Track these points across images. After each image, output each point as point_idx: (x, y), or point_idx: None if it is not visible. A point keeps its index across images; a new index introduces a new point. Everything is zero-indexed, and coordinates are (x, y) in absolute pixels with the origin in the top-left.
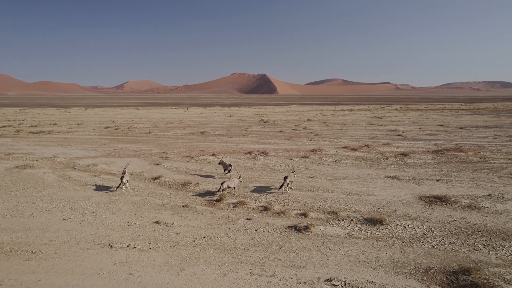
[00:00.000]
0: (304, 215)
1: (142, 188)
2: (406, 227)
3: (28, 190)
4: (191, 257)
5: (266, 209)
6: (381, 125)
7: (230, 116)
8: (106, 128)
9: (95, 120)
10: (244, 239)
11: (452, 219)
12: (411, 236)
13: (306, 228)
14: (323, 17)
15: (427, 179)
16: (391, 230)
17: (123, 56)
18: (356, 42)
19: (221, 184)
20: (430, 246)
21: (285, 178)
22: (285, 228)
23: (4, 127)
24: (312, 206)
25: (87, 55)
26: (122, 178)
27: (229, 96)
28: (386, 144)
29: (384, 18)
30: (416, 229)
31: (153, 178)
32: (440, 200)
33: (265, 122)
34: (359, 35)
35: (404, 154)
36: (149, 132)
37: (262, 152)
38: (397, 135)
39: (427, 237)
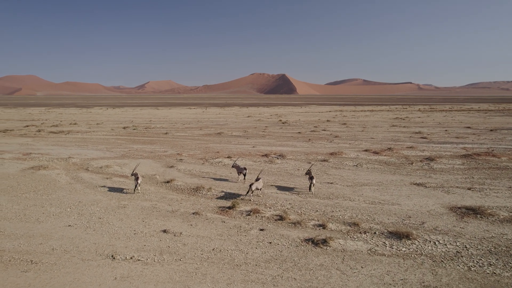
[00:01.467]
0: (323, 226)
1: (153, 192)
2: (437, 243)
3: (39, 193)
4: (197, 272)
5: (281, 218)
6: (404, 126)
7: (248, 116)
8: (124, 128)
9: (114, 120)
10: (256, 253)
11: (490, 235)
12: (442, 254)
13: (325, 241)
14: (344, 17)
15: (457, 187)
16: (420, 246)
17: (144, 57)
18: (377, 42)
19: (250, 186)
20: (466, 268)
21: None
22: (302, 241)
23: (27, 126)
24: (331, 216)
25: (110, 56)
26: (137, 179)
27: (248, 96)
28: (410, 147)
29: (406, 17)
30: (448, 246)
31: (165, 182)
32: (474, 212)
33: (283, 123)
34: (380, 34)
35: (430, 159)
36: (166, 133)
37: (279, 155)
38: (421, 137)
39: (462, 256)
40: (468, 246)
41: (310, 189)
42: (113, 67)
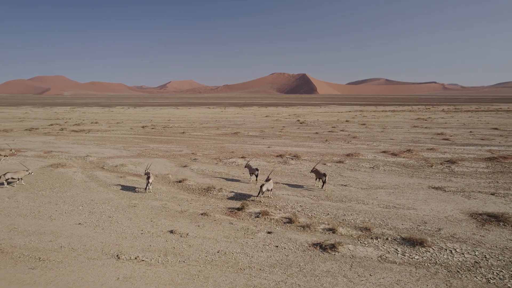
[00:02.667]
0: (332, 230)
1: (164, 192)
2: (453, 251)
3: (55, 190)
4: (200, 275)
5: (290, 221)
6: (425, 127)
7: (266, 116)
8: (143, 127)
9: (134, 119)
10: (262, 257)
11: None
12: (459, 264)
13: (333, 247)
14: (366, 15)
15: (479, 191)
16: (434, 254)
17: (166, 57)
18: (400, 40)
19: (260, 187)
20: (484, 280)
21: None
22: (309, 246)
23: (51, 125)
24: (343, 219)
25: (133, 56)
26: (148, 178)
27: (267, 96)
28: (431, 149)
29: (430, 14)
30: (466, 255)
31: (177, 181)
32: (497, 219)
33: (301, 123)
34: (403, 32)
35: (452, 161)
36: (183, 132)
37: (294, 156)
38: (443, 139)
39: (480, 267)
40: (488, 256)
41: (322, 186)
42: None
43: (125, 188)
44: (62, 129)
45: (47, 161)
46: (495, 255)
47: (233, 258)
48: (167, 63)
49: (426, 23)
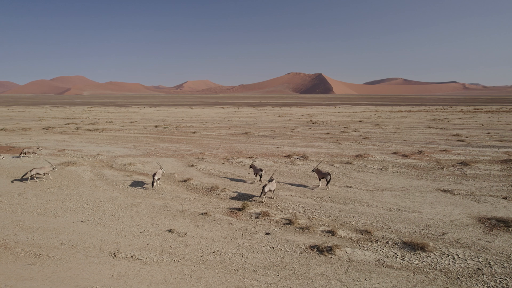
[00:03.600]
0: (332, 233)
1: (168, 191)
2: (455, 257)
3: (63, 188)
4: (192, 275)
5: (290, 222)
6: (441, 128)
7: (279, 116)
8: (156, 126)
9: (148, 118)
10: (257, 258)
11: None
12: (460, 270)
13: (330, 249)
14: (382, 12)
15: (490, 195)
16: (435, 259)
17: (182, 57)
18: (418, 39)
19: (263, 188)
20: None
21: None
22: (306, 248)
23: (68, 124)
24: (344, 222)
25: (150, 56)
26: (154, 175)
27: (283, 96)
28: (444, 150)
29: (450, 11)
30: (469, 262)
31: (182, 181)
32: (506, 224)
33: (313, 123)
34: (422, 30)
35: (464, 163)
36: (194, 132)
37: (302, 156)
38: (458, 140)
39: (483, 274)
40: (492, 263)
41: (326, 185)
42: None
43: (130, 186)
44: (77, 128)
45: (59, 159)
46: (500, 262)
47: (227, 259)
48: (183, 63)
49: (446, 22)
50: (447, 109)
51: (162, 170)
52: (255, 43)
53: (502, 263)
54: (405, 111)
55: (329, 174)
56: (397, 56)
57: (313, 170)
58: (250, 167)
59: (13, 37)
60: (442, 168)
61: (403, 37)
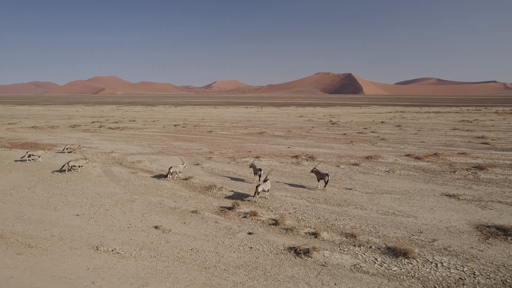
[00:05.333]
0: (315, 235)
1: (167, 188)
2: (439, 265)
3: (69, 183)
4: (164, 271)
5: (276, 223)
6: (467, 130)
7: (300, 116)
8: (175, 125)
9: (170, 118)
10: (232, 257)
11: None
12: (440, 279)
13: (307, 252)
14: (415, 11)
15: (499, 201)
16: (416, 267)
17: (212, 58)
18: (455, 37)
19: (256, 187)
20: None
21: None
22: (284, 249)
23: (93, 122)
24: (332, 224)
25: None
26: (170, 168)
27: (310, 96)
28: (463, 153)
29: (489, 6)
30: (452, 270)
31: (184, 179)
32: (505, 233)
33: (332, 124)
34: (457, 29)
35: (480, 167)
36: (210, 131)
37: (309, 157)
38: (482, 143)
39: (463, 285)
40: (477, 273)
41: (324, 187)
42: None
43: (132, 183)
44: (100, 126)
45: (75, 155)
46: (486, 273)
47: (203, 257)
48: (212, 63)
49: (482, 17)
50: (480, 110)
51: (184, 165)
52: (284, 43)
53: (488, 273)
54: (433, 112)
55: (327, 175)
56: (430, 55)
57: (312, 171)
58: (250, 166)
59: (54, 39)
60: (454, 172)
61: (438, 35)
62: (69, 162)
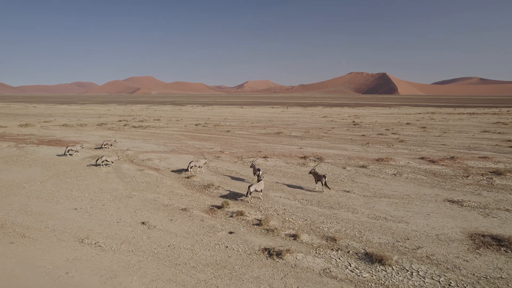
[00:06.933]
0: (295, 237)
1: (166, 186)
2: (414, 274)
3: (78, 178)
4: (136, 265)
5: (259, 223)
6: (498, 133)
7: (324, 117)
8: (196, 125)
9: (194, 117)
10: (205, 255)
11: (497, 275)
12: None
13: (280, 254)
14: (454, 7)
15: (506, 209)
16: (389, 274)
17: (244, 58)
18: (498, 31)
19: (248, 187)
20: None
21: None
22: (259, 250)
23: (119, 121)
24: (317, 227)
25: (213, 57)
26: (190, 162)
27: (341, 96)
28: (484, 157)
29: None
30: (426, 280)
31: (185, 177)
32: (499, 243)
33: (354, 125)
34: (501, 21)
35: (498, 173)
36: (228, 131)
37: (318, 158)
38: (510, 146)
39: None
40: (453, 284)
41: (322, 188)
42: (216, 67)
43: (136, 180)
44: (125, 125)
45: (92, 152)
46: (463, 284)
47: (177, 253)
48: (244, 63)
49: None
50: None
51: (205, 160)
52: (316, 42)
53: (465, 285)
54: (467, 113)
55: (324, 176)
56: (471, 53)
57: (310, 172)
58: (250, 166)
59: (94, 41)
60: (467, 177)
61: (479, 33)
62: (102, 156)
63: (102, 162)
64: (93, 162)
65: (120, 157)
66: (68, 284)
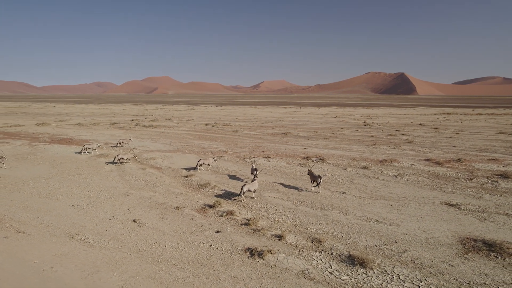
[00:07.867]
0: (280, 237)
1: (164, 184)
2: (394, 277)
3: (81, 176)
4: (119, 262)
5: (248, 223)
6: None
7: (335, 117)
8: (206, 125)
9: (206, 117)
10: (187, 253)
11: (481, 281)
12: None
13: (261, 254)
14: (474, 5)
15: (506, 214)
16: (368, 278)
17: (260, 57)
18: None
19: (241, 187)
20: None
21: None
22: (242, 250)
23: (132, 120)
24: (305, 228)
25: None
26: (199, 160)
27: (356, 96)
28: (493, 159)
29: None
30: (406, 284)
31: (184, 176)
32: (490, 248)
33: (365, 125)
34: None
35: (505, 176)
36: (236, 131)
37: (320, 159)
38: None
39: None
40: None
41: (317, 189)
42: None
43: (136, 179)
44: (136, 124)
45: (99, 151)
46: None
47: (161, 251)
48: (260, 63)
49: None
50: None
51: (214, 159)
52: (333, 42)
53: None
54: (485, 114)
55: (319, 177)
56: (495, 52)
57: (308, 173)
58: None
59: (113, 41)
60: (471, 179)
61: (502, 27)
62: (118, 155)
63: (119, 160)
64: (99, 160)
65: (135, 155)
66: (50, 278)
